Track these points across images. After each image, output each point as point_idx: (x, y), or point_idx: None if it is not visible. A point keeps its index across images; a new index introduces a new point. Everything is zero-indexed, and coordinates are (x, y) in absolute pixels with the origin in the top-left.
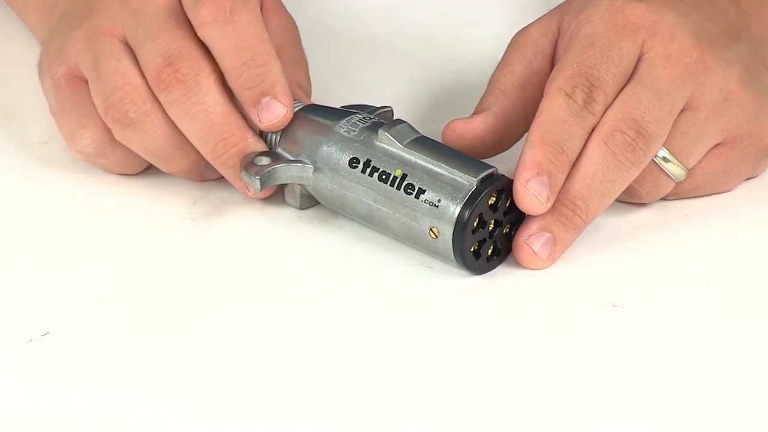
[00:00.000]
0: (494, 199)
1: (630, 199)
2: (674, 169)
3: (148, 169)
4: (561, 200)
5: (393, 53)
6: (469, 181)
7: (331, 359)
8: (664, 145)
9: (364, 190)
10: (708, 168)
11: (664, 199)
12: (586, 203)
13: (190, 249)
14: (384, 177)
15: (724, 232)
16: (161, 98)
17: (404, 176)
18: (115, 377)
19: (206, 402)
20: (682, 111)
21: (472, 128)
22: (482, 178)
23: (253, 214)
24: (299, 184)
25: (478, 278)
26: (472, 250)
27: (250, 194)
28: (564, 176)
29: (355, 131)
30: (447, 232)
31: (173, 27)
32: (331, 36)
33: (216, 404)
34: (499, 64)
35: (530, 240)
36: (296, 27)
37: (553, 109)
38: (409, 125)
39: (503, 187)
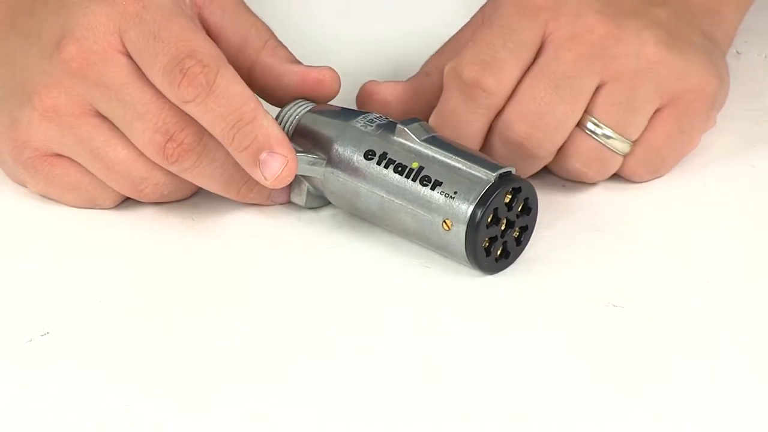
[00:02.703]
0: (509, 198)
1: (580, 180)
2: (616, 143)
3: None
4: None
5: (393, 53)
6: (487, 176)
7: (331, 359)
8: (601, 120)
9: (377, 182)
10: (663, 133)
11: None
12: None
13: (190, 249)
14: (400, 169)
15: (724, 232)
16: (173, 169)
17: (421, 168)
18: (115, 377)
19: (206, 402)
20: (603, 85)
21: (379, 89)
22: (500, 175)
23: (254, 214)
24: (306, 183)
25: (477, 278)
26: (483, 246)
27: (270, 202)
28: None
29: (372, 126)
30: (461, 224)
31: (152, 97)
32: (332, 36)
33: (216, 404)
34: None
35: None
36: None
37: (444, 96)
38: (426, 123)
39: (520, 186)
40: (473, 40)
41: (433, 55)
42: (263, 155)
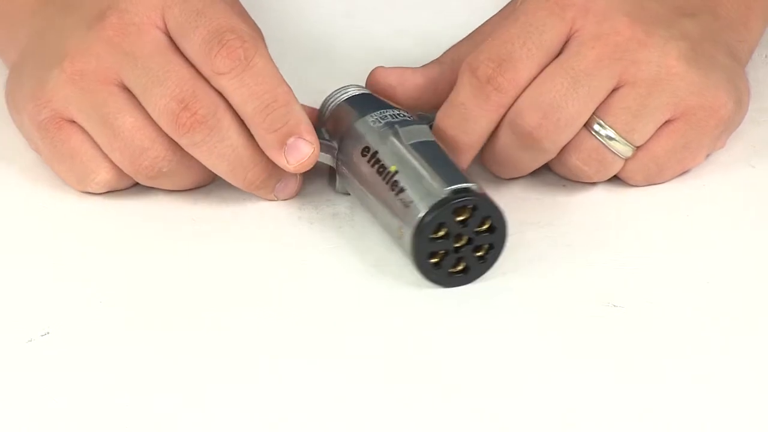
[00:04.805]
0: (467, 215)
1: (580, 180)
2: (619, 146)
3: None
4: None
5: (393, 53)
6: (441, 189)
7: (330, 359)
8: (606, 122)
9: (364, 180)
10: (667, 145)
11: (660, 186)
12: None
13: (189, 248)
14: (380, 170)
15: (724, 232)
16: (182, 141)
17: (396, 173)
18: (115, 377)
19: (206, 402)
20: (618, 88)
21: (385, 74)
22: (457, 190)
23: (254, 214)
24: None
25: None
26: (434, 260)
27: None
28: (465, 157)
29: (380, 123)
30: (408, 233)
31: (177, 67)
32: (332, 36)
33: (216, 404)
34: None
35: None
36: (263, 38)
37: (456, 88)
38: (428, 129)
39: (477, 205)
40: (493, 34)
41: (452, 46)
42: (291, 140)
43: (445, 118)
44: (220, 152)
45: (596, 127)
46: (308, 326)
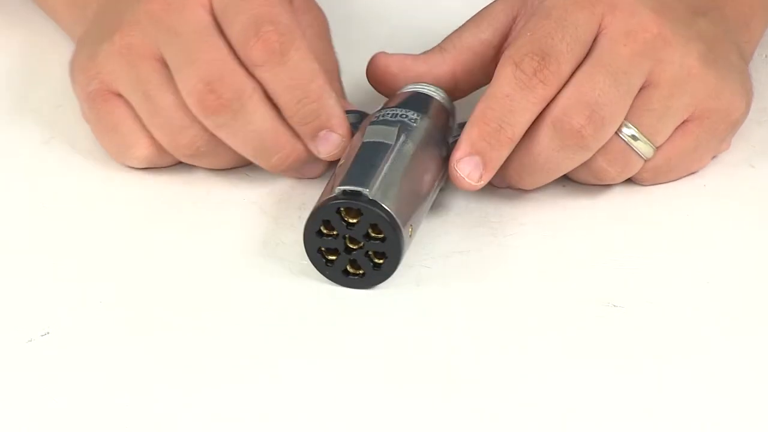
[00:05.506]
0: (357, 218)
1: (599, 182)
2: (643, 147)
3: (150, 170)
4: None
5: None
6: (336, 188)
7: (328, 359)
8: (632, 123)
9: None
10: (680, 146)
11: (660, 185)
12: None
13: (188, 248)
14: (339, 160)
15: (724, 232)
16: (207, 123)
17: (339, 166)
18: (116, 377)
19: (206, 401)
20: (643, 88)
21: (387, 62)
22: (347, 191)
23: (254, 214)
24: None
25: (473, 279)
26: (327, 257)
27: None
28: (503, 153)
29: (375, 119)
30: None
31: (210, 48)
32: (333, 36)
33: (216, 403)
34: None
35: (459, 165)
36: (327, 24)
37: (499, 81)
38: (394, 132)
39: (361, 210)
40: (528, 28)
41: (453, 32)
42: (323, 132)
43: (488, 111)
44: (244, 136)
45: (622, 128)
46: (308, 326)
